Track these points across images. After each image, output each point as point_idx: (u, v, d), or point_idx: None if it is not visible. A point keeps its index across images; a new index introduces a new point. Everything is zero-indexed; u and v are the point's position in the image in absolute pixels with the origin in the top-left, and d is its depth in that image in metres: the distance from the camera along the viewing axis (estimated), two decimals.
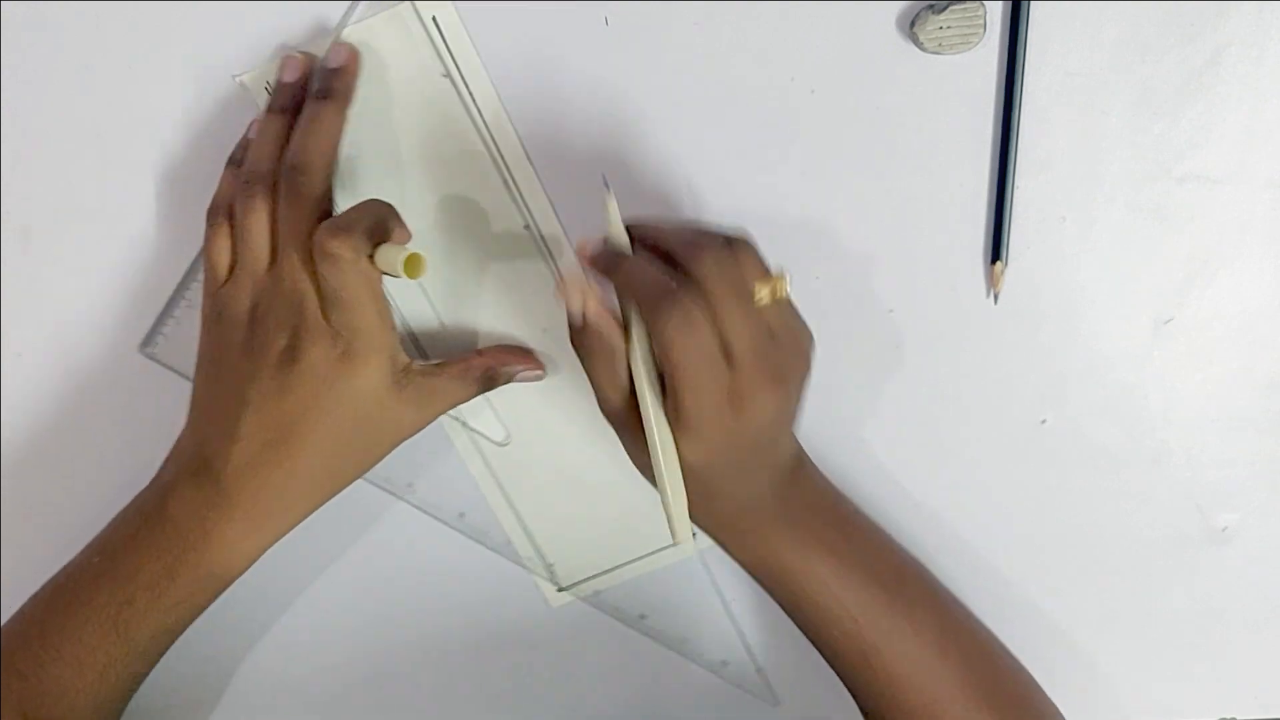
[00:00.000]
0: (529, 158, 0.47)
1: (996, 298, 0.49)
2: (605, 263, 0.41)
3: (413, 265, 0.41)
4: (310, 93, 0.45)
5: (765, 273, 0.39)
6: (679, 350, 0.37)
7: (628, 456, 0.43)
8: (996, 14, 0.45)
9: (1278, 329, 0.49)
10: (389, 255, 0.41)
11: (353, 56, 0.46)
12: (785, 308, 0.40)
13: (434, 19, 0.45)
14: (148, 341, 0.50)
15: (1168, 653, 0.53)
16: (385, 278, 0.42)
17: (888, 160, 0.47)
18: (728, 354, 0.38)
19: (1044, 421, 0.50)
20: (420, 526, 0.52)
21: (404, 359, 0.44)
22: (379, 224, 0.42)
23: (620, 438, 0.43)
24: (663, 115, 0.47)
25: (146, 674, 0.47)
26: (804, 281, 0.49)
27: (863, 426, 0.50)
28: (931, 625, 0.45)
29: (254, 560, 0.45)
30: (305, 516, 0.45)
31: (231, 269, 0.45)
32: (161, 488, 0.45)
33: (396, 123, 0.47)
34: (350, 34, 0.46)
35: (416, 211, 0.47)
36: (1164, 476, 0.51)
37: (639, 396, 0.40)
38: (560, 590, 0.53)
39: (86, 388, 0.51)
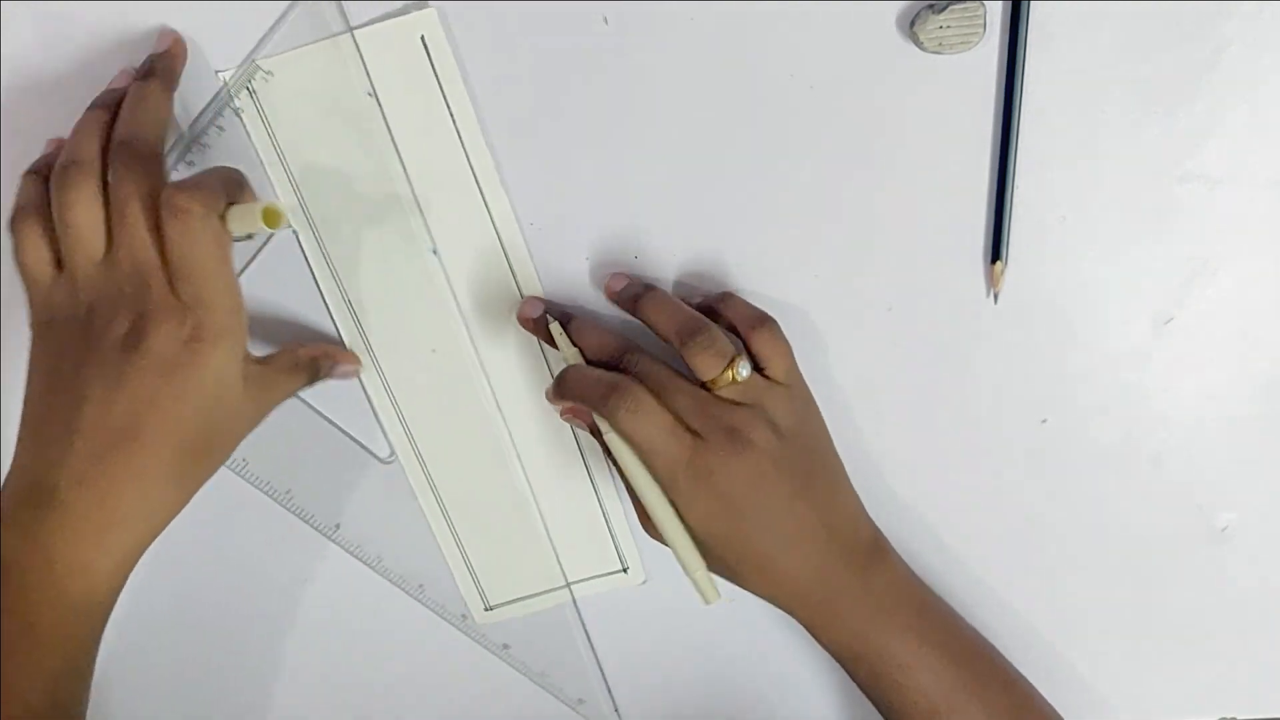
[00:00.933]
0: (501, 178, 0.47)
1: (996, 297, 0.49)
2: (540, 330, 0.47)
3: (271, 215, 0.38)
4: (134, 78, 0.43)
5: (724, 357, 0.43)
6: (636, 433, 0.42)
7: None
8: (996, 14, 0.45)
9: (1278, 329, 0.49)
10: (243, 213, 0.39)
11: (177, 42, 0.44)
12: (750, 383, 0.43)
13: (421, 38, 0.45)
14: None
15: (1168, 653, 0.53)
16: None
17: (888, 160, 0.47)
18: (687, 426, 0.42)
19: (1044, 421, 0.50)
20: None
21: (246, 349, 0.42)
22: (230, 183, 0.40)
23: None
24: (662, 114, 0.47)
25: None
26: (804, 281, 0.49)
27: (862, 426, 0.50)
28: (1004, 705, 0.46)
29: (119, 579, 0.40)
30: (164, 524, 0.41)
31: (59, 270, 0.41)
32: None
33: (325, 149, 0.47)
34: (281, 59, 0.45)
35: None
36: (1164, 476, 0.51)
37: (629, 475, 0.44)
38: (487, 610, 0.53)
39: None
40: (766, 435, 0.42)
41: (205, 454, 0.41)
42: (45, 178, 0.42)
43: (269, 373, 0.44)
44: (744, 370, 0.43)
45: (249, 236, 0.40)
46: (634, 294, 0.46)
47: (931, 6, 0.45)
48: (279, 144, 0.46)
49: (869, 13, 0.45)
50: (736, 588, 0.45)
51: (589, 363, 0.46)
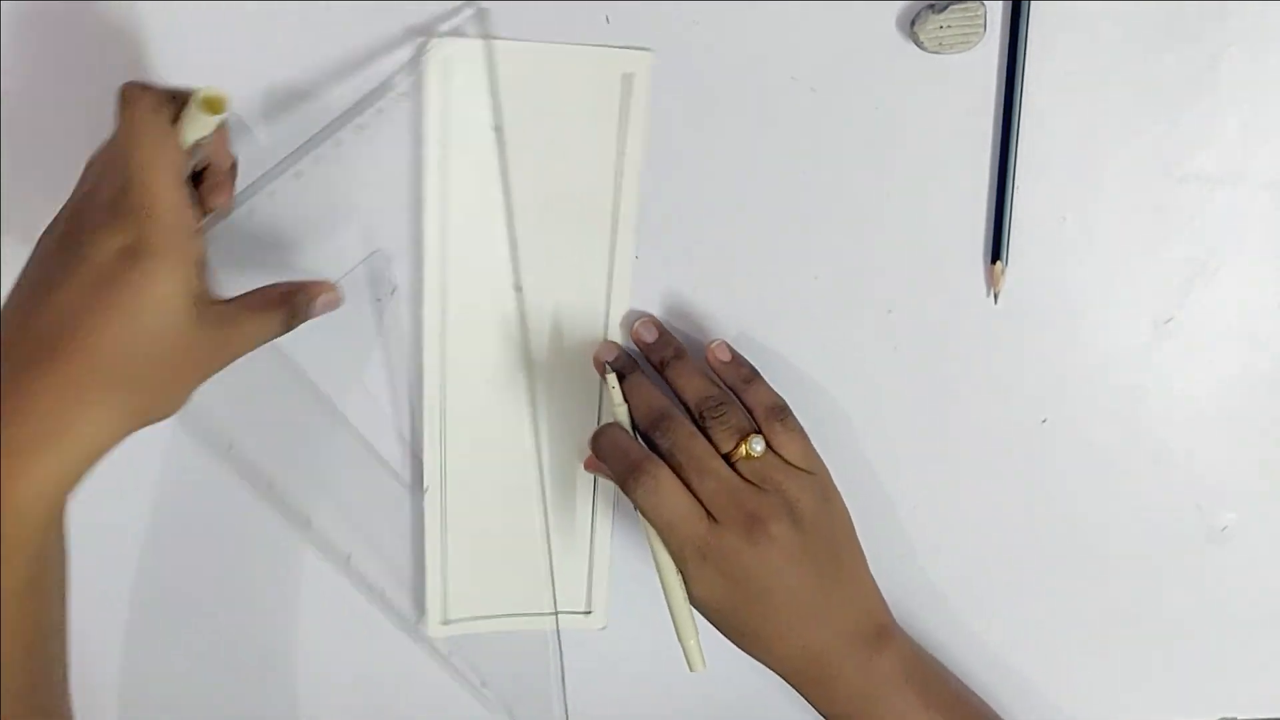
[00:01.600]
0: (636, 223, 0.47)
1: (996, 298, 0.49)
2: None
3: (210, 101, 0.36)
4: None
5: (740, 432, 0.44)
6: (651, 513, 0.43)
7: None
8: (996, 14, 0.45)
9: (1278, 329, 0.49)
10: (189, 114, 0.36)
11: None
12: (765, 460, 0.44)
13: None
14: None
15: (1168, 653, 0.53)
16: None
17: (888, 160, 0.47)
18: (706, 509, 0.43)
19: (1044, 421, 0.50)
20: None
21: (203, 284, 0.38)
22: (186, 93, 0.37)
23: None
24: (662, 114, 0.47)
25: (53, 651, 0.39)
26: (804, 281, 0.49)
27: (863, 426, 0.50)
28: None
29: (53, 498, 0.36)
30: (98, 449, 0.37)
31: None
32: None
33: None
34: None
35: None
36: (1164, 476, 0.51)
37: (645, 533, 0.44)
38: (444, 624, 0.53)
39: None
40: (785, 527, 0.43)
41: (144, 383, 0.37)
42: None
43: (231, 310, 0.39)
44: (757, 446, 0.43)
45: (198, 144, 0.37)
46: (661, 358, 0.47)
47: (932, 6, 0.45)
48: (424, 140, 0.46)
49: (869, 13, 0.45)
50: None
51: (634, 420, 0.46)
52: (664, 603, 0.45)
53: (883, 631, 0.46)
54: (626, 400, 0.46)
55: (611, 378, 0.46)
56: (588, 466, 0.48)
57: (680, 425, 0.44)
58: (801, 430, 0.46)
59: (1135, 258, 0.48)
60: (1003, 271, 0.48)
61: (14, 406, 0.35)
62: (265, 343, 0.40)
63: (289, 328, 0.41)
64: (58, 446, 0.36)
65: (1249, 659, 0.53)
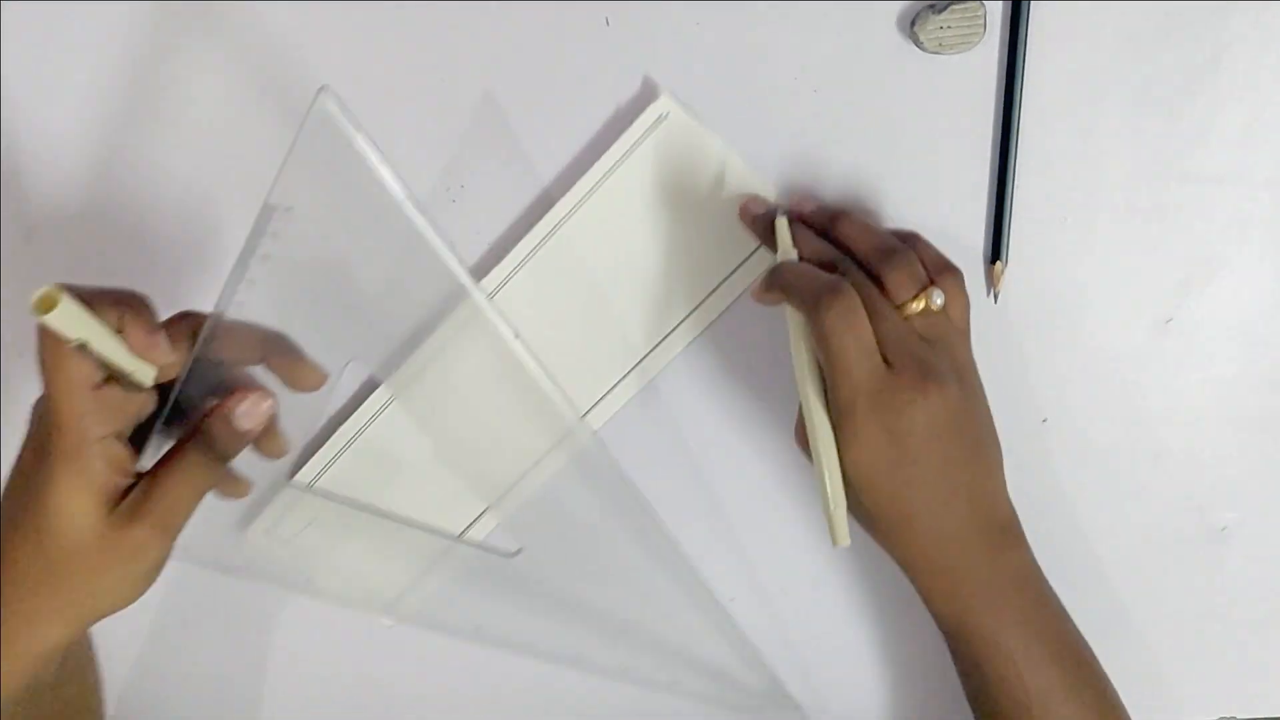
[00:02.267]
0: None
1: (996, 297, 0.49)
2: (761, 229, 0.45)
3: (39, 301, 0.33)
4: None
5: (920, 282, 0.42)
6: (837, 339, 0.40)
7: None
8: (996, 14, 0.45)
9: (1278, 329, 0.49)
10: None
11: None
12: (938, 318, 0.42)
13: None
14: None
15: (1168, 653, 0.53)
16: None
17: (888, 160, 0.47)
18: (882, 353, 0.40)
19: (1045, 421, 0.50)
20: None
21: (119, 479, 0.37)
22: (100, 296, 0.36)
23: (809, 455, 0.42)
24: None
25: None
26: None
27: None
28: (1094, 709, 0.45)
29: (6, 697, 0.39)
30: (46, 646, 0.39)
31: None
32: None
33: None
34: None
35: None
36: (1164, 476, 0.51)
37: (800, 390, 0.42)
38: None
39: None
40: (954, 387, 0.41)
41: (68, 584, 0.38)
42: None
43: (145, 496, 0.38)
44: (938, 298, 0.41)
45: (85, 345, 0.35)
46: (830, 214, 0.45)
47: (932, 6, 0.45)
48: None
49: (869, 13, 0.45)
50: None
51: None
52: None
53: (1010, 527, 0.45)
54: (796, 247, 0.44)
55: (781, 221, 0.45)
56: (756, 296, 0.44)
57: (855, 270, 0.42)
58: (968, 296, 0.44)
59: (1135, 258, 0.48)
60: (1003, 271, 0.48)
61: None
62: (202, 498, 0.39)
63: (220, 475, 0.40)
64: (24, 640, 0.38)
65: (1249, 659, 0.53)
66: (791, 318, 0.43)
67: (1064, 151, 0.47)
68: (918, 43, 0.45)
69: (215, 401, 0.39)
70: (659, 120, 0.46)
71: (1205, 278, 0.48)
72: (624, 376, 0.49)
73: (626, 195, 0.47)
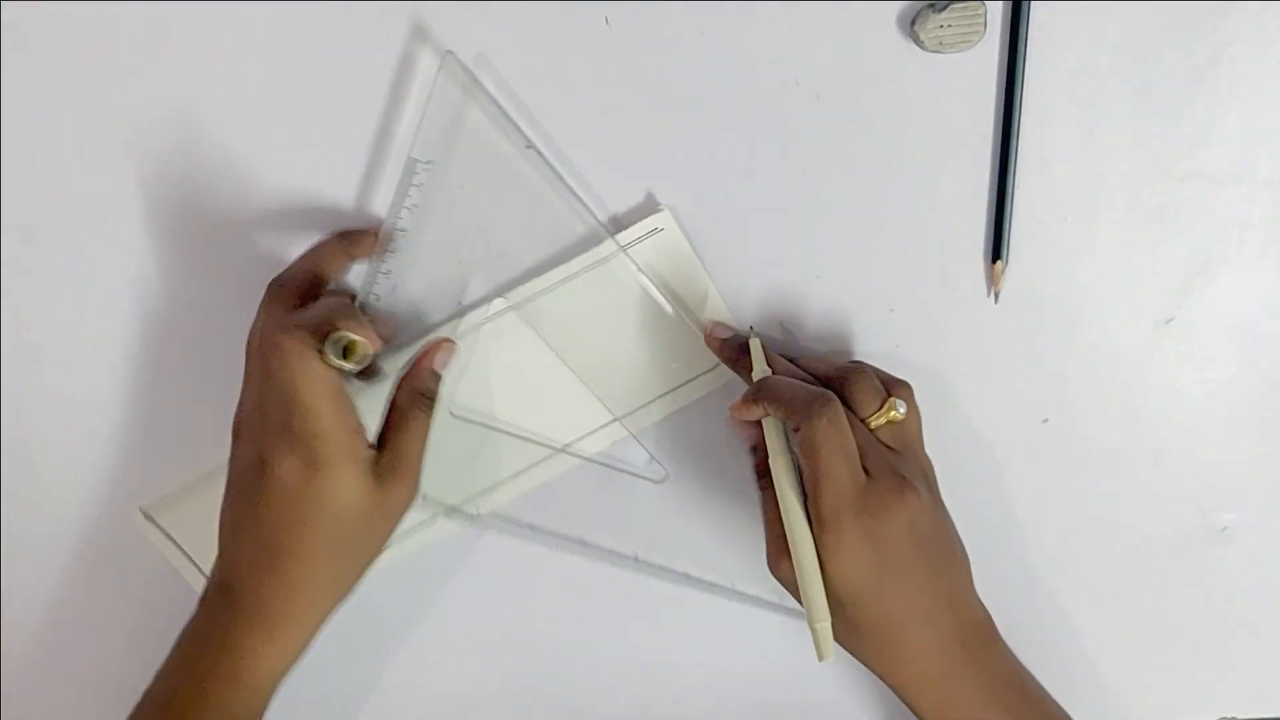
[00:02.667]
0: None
1: (997, 297, 0.49)
2: (730, 352, 0.47)
3: (351, 348, 0.40)
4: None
5: (880, 398, 0.44)
6: (828, 448, 0.41)
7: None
8: (997, 13, 0.45)
9: (1278, 329, 0.49)
10: (332, 346, 0.40)
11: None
12: (899, 428, 0.44)
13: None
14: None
15: (1168, 653, 0.53)
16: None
17: (888, 160, 0.47)
18: (862, 463, 0.42)
19: (1045, 421, 0.50)
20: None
21: (370, 453, 0.43)
22: (328, 317, 0.41)
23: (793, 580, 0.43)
24: (664, 115, 0.47)
25: None
26: (804, 281, 0.49)
27: None
28: None
29: (282, 670, 0.44)
30: (321, 623, 0.45)
31: None
32: (196, 607, 0.45)
33: None
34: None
35: None
36: (1164, 476, 0.51)
37: (781, 503, 0.43)
38: None
39: (92, 389, 0.51)
40: (925, 493, 0.43)
41: (347, 564, 0.45)
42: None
43: (398, 452, 0.44)
44: (901, 408, 0.43)
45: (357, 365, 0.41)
46: (783, 355, 0.47)
47: (932, 6, 0.45)
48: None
49: (870, 12, 0.45)
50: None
51: None
52: None
53: (986, 627, 0.45)
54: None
55: (755, 341, 0.46)
56: (738, 410, 0.45)
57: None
58: (919, 407, 0.46)
59: (1135, 258, 0.48)
60: (1003, 271, 0.48)
61: (259, 593, 0.43)
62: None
63: (429, 420, 0.46)
64: (284, 636, 0.43)
65: (1249, 659, 0.53)
66: (771, 431, 0.44)
67: (1064, 151, 0.47)
68: (918, 42, 0.45)
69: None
70: (653, 231, 0.48)
71: (1205, 278, 0.48)
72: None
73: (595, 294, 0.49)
